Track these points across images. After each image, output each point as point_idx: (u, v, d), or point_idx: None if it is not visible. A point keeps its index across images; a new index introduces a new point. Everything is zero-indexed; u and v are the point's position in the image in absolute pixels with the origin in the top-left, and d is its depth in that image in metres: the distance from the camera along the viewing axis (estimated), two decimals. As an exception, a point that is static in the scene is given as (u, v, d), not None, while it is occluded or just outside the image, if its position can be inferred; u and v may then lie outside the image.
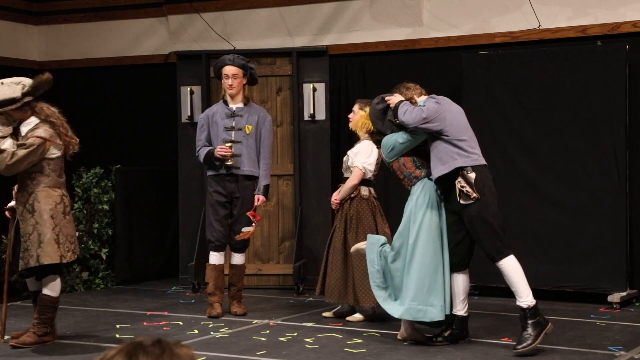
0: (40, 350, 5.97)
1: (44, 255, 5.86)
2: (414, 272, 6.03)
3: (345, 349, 5.97)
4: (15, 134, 6.02)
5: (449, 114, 6.00)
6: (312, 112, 8.69)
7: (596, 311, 7.38)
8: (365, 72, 9.26)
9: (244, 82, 7.30)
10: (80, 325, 6.91)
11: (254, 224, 7.25)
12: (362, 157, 6.90)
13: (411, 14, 8.96)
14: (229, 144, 7.14)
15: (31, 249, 5.88)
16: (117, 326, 6.84)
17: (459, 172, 5.93)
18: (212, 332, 6.58)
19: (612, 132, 7.72)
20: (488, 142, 7.30)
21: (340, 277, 6.94)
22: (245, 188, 7.21)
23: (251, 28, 9.65)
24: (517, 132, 8.07)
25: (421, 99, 6.21)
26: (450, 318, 6.10)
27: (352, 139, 7.93)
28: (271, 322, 6.96)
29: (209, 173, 7.32)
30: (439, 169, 5.97)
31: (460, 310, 6.11)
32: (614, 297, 7.54)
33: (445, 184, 6.02)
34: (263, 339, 6.33)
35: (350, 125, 7.08)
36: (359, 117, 6.93)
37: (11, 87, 5.91)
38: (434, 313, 5.99)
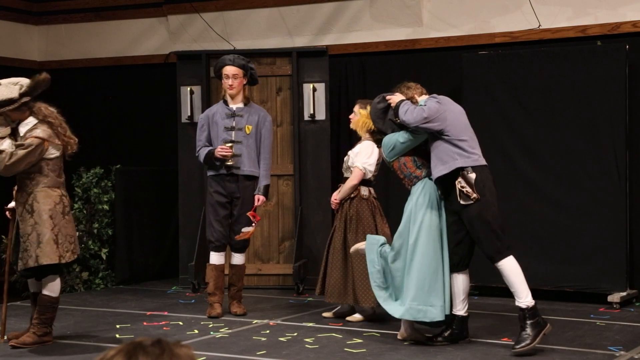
0: (40, 350, 5.97)
1: (42, 255, 5.86)
2: (414, 272, 6.03)
3: (345, 349, 5.97)
4: (14, 135, 6.01)
5: (450, 113, 6.00)
6: (312, 112, 8.69)
7: (596, 311, 7.38)
8: (365, 72, 9.26)
9: (244, 82, 7.30)
10: (80, 325, 6.91)
11: (254, 224, 7.25)
12: (363, 158, 6.90)
13: (411, 14, 8.96)
14: (230, 144, 7.14)
15: (30, 249, 5.88)
16: (117, 326, 6.84)
17: (459, 172, 5.93)
18: (212, 332, 6.58)
19: (612, 132, 7.72)
20: (488, 142, 7.29)
21: (340, 277, 6.94)
22: (246, 188, 7.21)
23: (251, 28, 9.65)
24: (517, 132, 8.07)
25: (422, 99, 6.21)
26: (450, 318, 6.10)
27: (352, 139, 7.94)
28: (271, 322, 6.96)
29: (209, 173, 7.32)
30: (439, 169, 5.97)
31: (460, 310, 6.11)
32: (614, 297, 7.54)
33: (445, 184, 6.02)
34: (263, 339, 6.33)
35: (351, 124, 7.07)
36: (359, 116, 6.93)
37: (9, 88, 5.91)
38: (434, 313, 5.99)
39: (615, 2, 8.15)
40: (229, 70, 7.21)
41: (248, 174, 7.22)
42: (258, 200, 7.21)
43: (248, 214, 7.18)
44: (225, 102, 7.34)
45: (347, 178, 7.01)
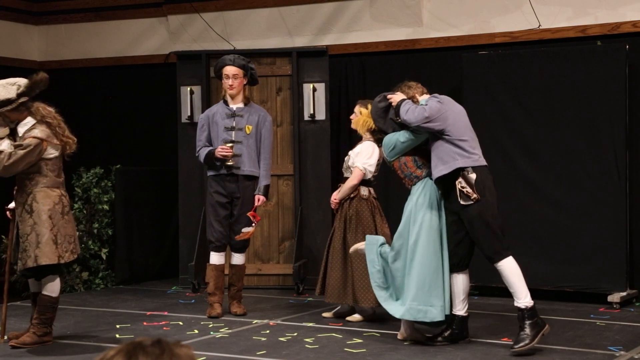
0: (40, 350, 5.97)
1: (41, 255, 5.86)
2: (414, 272, 6.03)
3: (345, 349, 5.97)
4: (13, 135, 6.01)
5: (451, 113, 6.00)
6: (312, 112, 8.69)
7: (596, 311, 7.38)
8: (365, 72, 9.26)
9: (245, 83, 7.31)
10: (80, 325, 6.91)
11: (254, 224, 7.25)
12: (363, 158, 6.90)
13: (411, 14, 8.96)
14: (230, 144, 7.14)
15: (29, 249, 5.88)
16: (117, 326, 6.84)
17: (459, 172, 5.93)
18: (212, 332, 6.58)
19: (612, 132, 7.72)
20: (488, 142, 7.29)
21: (339, 277, 6.94)
22: (246, 188, 7.21)
23: (251, 28, 9.65)
24: (517, 132, 8.07)
25: (423, 98, 6.20)
26: (450, 318, 6.10)
27: (352, 139, 7.93)
28: (271, 322, 6.96)
29: (210, 173, 7.33)
30: (439, 169, 5.97)
31: (460, 310, 6.11)
32: (614, 297, 7.54)
33: (445, 184, 6.01)
34: (263, 339, 6.33)
35: (352, 123, 7.07)
36: (360, 115, 6.93)
37: (6, 88, 5.90)
38: (434, 313, 5.99)
39: (615, 2, 8.15)
40: (229, 70, 7.21)
41: (248, 174, 7.22)
42: (258, 200, 7.22)
43: (248, 214, 7.18)
44: (226, 102, 7.34)
45: (347, 178, 7.01)
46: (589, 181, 7.78)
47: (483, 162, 6.02)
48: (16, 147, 5.88)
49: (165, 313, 7.43)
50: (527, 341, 5.74)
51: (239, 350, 5.99)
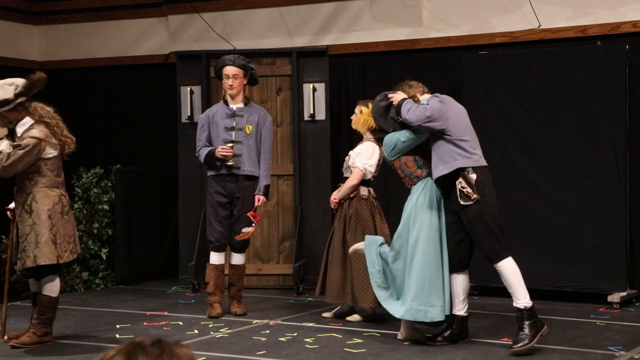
0: (40, 350, 5.97)
1: (41, 255, 5.86)
2: (414, 272, 6.03)
3: (345, 349, 5.97)
4: (12, 135, 6.01)
5: (452, 113, 6.00)
6: (312, 112, 8.69)
7: (596, 311, 7.38)
8: (365, 72, 9.26)
9: (245, 83, 7.31)
10: (80, 325, 6.91)
11: (254, 225, 7.25)
12: (364, 158, 6.90)
13: (411, 14, 8.96)
14: (230, 144, 7.14)
15: (28, 249, 5.88)
16: (117, 326, 6.84)
17: (459, 172, 5.93)
18: (212, 332, 6.58)
19: (612, 132, 7.72)
20: (488, 142, 7.29)
21: (339, 277, 6.94)
22: (246, 188, 7.21)
23: (251, 28, 9.65)
24: (517, 132, 8.07)
25: (424, 97, 6.20)
26: (450, 318, 6.10)
27: (353, 139, 7.94)
28: (271, 322, 6.96)
29: (210, 173, 7.33)
30: (440, 169, 5.96)
31: (460, 310, 6.11)
32: (614, 297, 7.54)
33: (445, 184, 6.01)
34: (263, 339, 6.33)
35: (352, 122, 7.07)
36: (361, 114, 6.92)
37: (4, 89, 5.90)
38: (435, 313, 5.99)
39: (615, 2, 8.15)
40: (229, 70, 7.21)
41: (248, 174, 7.22)
42: (258, 200, 7.22)
43: (248, 214, 7.18)
44: (226, 102, 7.34)
45: (347, 178, 7.01)
46: (589, 181, 7.78)
47: (483, 162, 6.02)
48: (15, 147, 5.88)
49: (165, 313, 7.43)
50: (526, 341, 5.74)
51: (239, 350, 5.99)
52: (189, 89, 8.89)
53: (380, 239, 6.42)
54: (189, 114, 8.88)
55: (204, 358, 5.63)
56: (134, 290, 8.76)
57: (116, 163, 9.32)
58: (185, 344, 1.89)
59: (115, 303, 7.99)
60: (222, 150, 7.12)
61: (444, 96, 6.14)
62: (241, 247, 7.34)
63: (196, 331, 6.64)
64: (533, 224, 7.94)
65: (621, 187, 7.70)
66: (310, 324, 6.86)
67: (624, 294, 7.62)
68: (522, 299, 5.85)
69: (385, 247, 6.29)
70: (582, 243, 7.76)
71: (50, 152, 6.00)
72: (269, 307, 7.71)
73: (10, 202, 6.24)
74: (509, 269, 5.89)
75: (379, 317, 6.91)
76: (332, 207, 7.15)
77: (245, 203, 7.20)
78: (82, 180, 8.97)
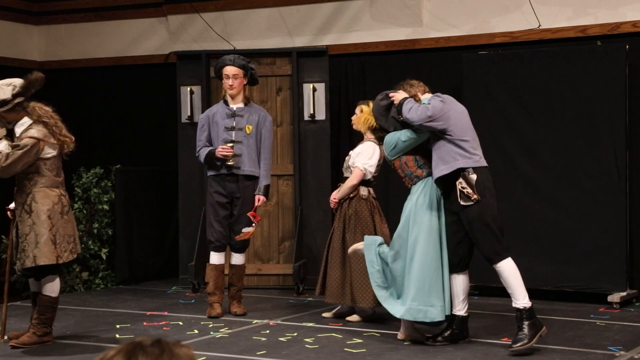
0: (40, 350, 5.97)
1: (40, 255, 5.86)
2: (414, 272, 6.03)
3: (345, 349, 5.97)
4: (11, 136, 6.01)
5: (453, 113, 5.99)
6: (312, 112, 8.69)
7: (596, 311, 7.38)
8: (365, 72, 9.26)
9: (245, 83, 7.31)
10: (80, 325, 6.91)
11: (254, 225, 7.25)
12: (364, 158, 6.90)
13: (411, 14, 8.96)
14: (230, 144, 7.14)
15: (28, 249, 5.88)
16: (117, 326, 6.84)
17: (460, 172, 5.93)
18: (212, 332, 6.58)
19: (612, 132, 7.72)
20: (488, 142, 7.29)
21: (338, 277, 6.94)
22: (246, 188, 7.21)
23: (251, 28, 9.65)
24: (517, 132, 8.07)
25: (425, 97, 6.19)
26: (450, 318, 6.10)
27: (353, 139, 7.93)
28: (271, 322, 6.96)
29: (210, 173, 7.33)
30: (440, 169, 5.96)
31: (460, 310, 6.11)
32: (614, 297, 7.54)
33: (446, 184, 6.01)
34: (263, 339, 6.33)
35: (353, 120, 7.06)
36: (362, 113, 6.92)
37: (1, 89, 5.90)
38: (434, 313, 5.99)
39: (615, 2, 8.15)
40: (229, 70, 7.21)
41: (248, 174, 7.22)
42: (258, 200, 7.22)
43: (248, 214, 7.18)
44: (226, 102, 7.34)
45: (347, 178, 7.01)
46: (589, 181, 7.78)
47: (484, 162, 6.02)
48: (13, 147, 5.87)
49: (165, 313, 7.43)
50: (525, 341, 5.75)
51: (239, 350, 5.99)
52: (189, 89, 8.89)
53: (379, 239, 6.42)
54: (189, 114, 8.88)
55: (204, 358, 5.63)
56: (134, 290, 8.76)
57: (116, 163, 9.32)
58: (185, 344, 1.89)
59: (115, 303, 7.99)
60: (222, 150, 7.12)
61: (446, 96, 6.13)
62: (241, 247, 7.34)
63: (196, 331, 6.64)
64: (533, 224, 7.94)
65: (621, 187, 7.70)
66: (310, 324, 6.86)
67: (624, 294, 7.62)
68: (521, 299, 5.85)
69: (385, 247, 6.29)
70: (582, 243, 7.76)
71: (49, 152, 5.99)
72: (269, 307, 7.71)
73: (11, 202, 6.23)
74: (508, 269, 5.89)
75: (379, 317, 6.91)
76: (332, 206, 7.15)
77: (245, 203, 7.20)
78: (82, 180, 8.97)
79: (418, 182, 6.18)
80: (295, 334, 6.50)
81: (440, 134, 5.97)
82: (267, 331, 6.61)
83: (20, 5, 10.52)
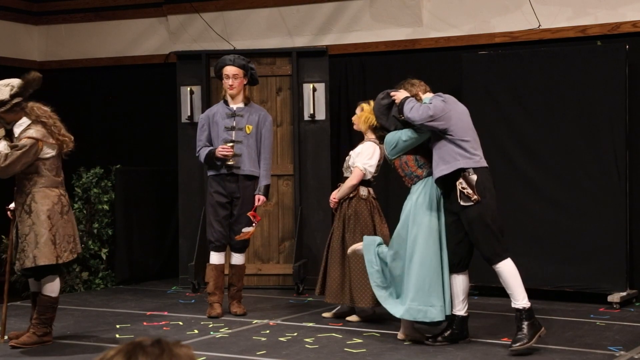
0: (40, 350, 5.97)
1: (40, 256, 5.86)
2: (414, 272, 6.03)
3: (345, 349, 5.97)
4: (10, 136, 6.01)
5: (454, 113, 5.99)
6: (312, 112, 8.69)
7: (596, 311, 7.38)
8: (365, 72, 9.26)
9: (245, 83, 7.31)
10: (80, 325, 6.91)
11: (254, 224, 7.25)
12: (364, 158, 6.89)
13: (411, 14, 8.96)
14: (230, 144, 7.14)
15: (27, 249, 5.88)
16: (117, 326, 6.84)
17: (460, 173, 5.93)
18: (212, 332, 6.58)
19: (612, 132, 7.72)
20: (488, 142, 7.29)
21: (337, 277, 6.94)
22: (246, 188, 7.21)
23: (251, 28, 9.65)
24: (517, 132, 8.07)
25: (426, 96, 6.19)
26: (450, 318, 6.10)
27: (353, 139, 7.93)
28: (271, 322, 6.96)
29: (210, 173, 7.33)
30: (440, 169, 5.96)
31: (460, 310, 6.11)
32: (614, 297, 7.54)
33: (446, 184, 6.01)
34: (263, 339, 6.33)
35: (354, 120, 7.06)
36: (363, 111, 6.91)
37: None
38: (434, 313, 5.99)
39: (615, 2, 8.15)
40: (229, 70, 7.22)
41: (248, 173, 7.22)
42: (258, 200, 7.22)
43: (248, 214, 7.18)
44: (226, 102, 7.35)
45: (347, 177, 7.01)
46: (589, 181, 7.78)
47: (484, 163, 6.02)
48: (12, 148, 5.87)
49: (165, 313, 7.43)
50: (525, 340, 5.75)
51: (239, 350, 5.99)
52: (189, 89, 8.89)
53: (378, 239, 6.42)
54: (189, 114, 8.88)
55: (204, 358, 5.63)
56: (134, 290, 8.76)
57: (116, 163, 9.31)
58: (185, 344, 1.89)
59: (115, 303, 7.99)
60: (222, 150, 7.12)
61: (447, 96, 6.13)
62: (241, 247, 7.34)
63: (196, 331, 6.64)
64: (533, 224, 7.94)
65: (621, 187, 7.70)
66: (310, 324, 6.86)
67: (624, 294, 7.62)
68: (520, 299, 5.85)
69: (384, 247, 6.29)
70: (582, 243, 7.76)
71: (48, 152, 5.99)
72: (269, 307, 7.71)
73: (11, 202, 6.23)
74: (508, 270, 5.89)
75: (378, 317, 6.91)
76: (332, 206, 7.15)
77: (245, 203, 7.20)
78: (82, 180, 8.97)
79: (418, 181, 6.18)
80: (295, 334, 6.50)
81: (441, 134, 5.97)
82: (267, 331, 6.61)
83: (20, 5, 10.52)
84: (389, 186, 8.60)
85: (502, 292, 7.21)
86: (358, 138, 7.22)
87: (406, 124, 6.11)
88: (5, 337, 6.24)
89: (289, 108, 8.83)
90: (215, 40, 9.69)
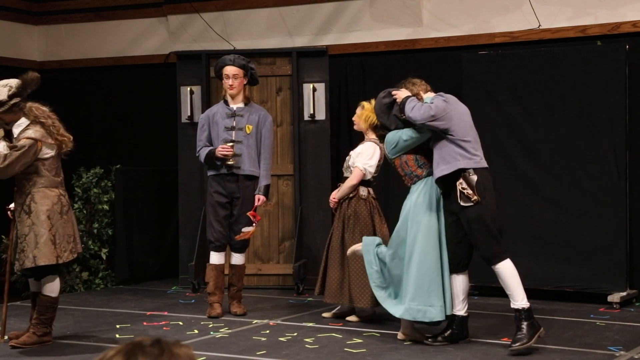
0: (40, 350, 5.97)
1: (40, 256, 5.86)
2: (413, 272, 6.02)
3: (345, 349, 5.97)
4: (9, 137, 6.01)
5: (455, 113, 5.99)
6: (312, 112, 8.69)
7: (596, 311, 7.38)
8: (365, 72, 9.26)
9: (245, 83, 7.31)
10: (80, 325, 6.91)
11: (254, 224, 7.25)
12: (364, 159, 6.89)
13: (411, 14, 8.96)
14: (230, 144, 7.14)
15: (27, 249, 5.88)
16: (117, 326, 6.84)
17: (460, 173, 5.92)
18: (212, 332, 6.58)
19: (612, 132, 7.72)
20: (488, 142, 7.28)
21: (337, 277, 6.94)
22: (246, 188, 7.22)
23: (251, 28, 9.65)
24: (517, 132, 8.07)
25: (427, 96, 6.19)
26: (450, 318, 6.10)
27: (353, 139, 7.93)
28: (271, 322, 6.96)
29: (210, 173, 7.33)
30: (441, 169, 5.96)
31: (460, 310, 6.11)
32: (614, 297, 7.54)
33: (446, 185, 6.01)
34: (263, 339, 6.33)
35: (354, 118, 7.05)
36: (364, 110, 6.91)
37: None
38: (434, 313, 5.99)
39: (615, 2, 8.15)
40: (230, 70, 7.22)
41: (248, 173, 7.22)
42: (258, 200, 7.22)
43: (248, 213, 7.18)
44: (226, 102, 7.35)
45: (347, 177, 7.01)
46: (589, 181, 7.78)
47: (484, 163, 6.02)
48: (11, 148, 5.87)
49: (165, 313, 7.43)
50: (524, 340, 5.75)
51: (239, 350, 5.99)
52: (189, 89, 8.89)
53: (377, 239, 6.41)
54: (189, 114, 8.88)
55: (204, 358, 5.63)
56: (134, 290, 8.76)
57: (116, 163, 9.32)
58: (185, 344, 1.89)
59: (115, 303, 7.99)
60: (222, 150, 7.12)
61: (448, 95, 6.13)
62: (241, 247, 7.34)
63: (196, 331, 6.64)
64: (533, 224, 7.94)
65: (621, 187, 7.70)
66: (310, 324, 6.86)
67: (624, 294, 7.62)
68: (519, 300, 5.86)
69: (383, 247, 6.29)
70: (582, 243, 7.76)
71: (47, 152, 5.99)
72: (269, 307, 7.71)
73: (11, 203, 6.23)
74: (507, 270, 5.89)
75: (378, 317, 6.91)
76: (332, 206, 7.15)
77: (245, 203, 7.20)
78: (82, 180, 8.97)
79: (418, 181, 6.17)
80: (295, 334, 6.50)
81: (442, 134, 5.97)
82: (267, 331, 6.61)
83: (20, 5, 10.52)
84: (389, 186, 8.60)
85: (502, 292, 7.20)
86: (358, 138, 7.22)
87: (407, 123, 6.11)
88: (5, 337, 6.24)
89: (289, 108, 8.84)
90: (215, 40, 9.69)
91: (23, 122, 5.98)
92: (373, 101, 6.58)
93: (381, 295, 6.21)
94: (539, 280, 7.77)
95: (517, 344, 5.76)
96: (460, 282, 6.09)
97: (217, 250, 7.28)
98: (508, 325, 6.55)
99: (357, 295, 6.81)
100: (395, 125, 6.21)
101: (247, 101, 7.35)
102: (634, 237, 7.84)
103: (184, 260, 8.81)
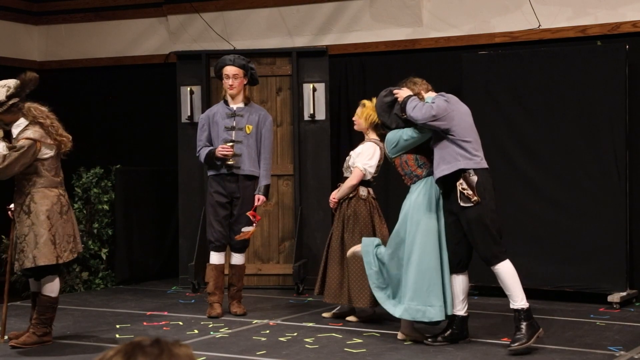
0: (40, 350, 5.97)
1: (40, 256, 5.86)
2: (412, 272, 6.02)
3: (345, 349, 5.97)
4: (8, 137, 6.01)
5: (457, 113, 5.99)
6: (312, 112, 8.69)
7: (596, 311, 7.38)
8: (365, 72, 9.26)
9: (245, 83, 7.31)
10: (80, 325, 6.91)
11: (254, 224, 7.25)
12: (364, 159, 6.89)
13: (411, 14, 8.96)
14: (230, 144, 7.14)
15: (27, 249, 5.88)
16: (117, 326, 6.84)
17: (461, 173, 5.92)
18: (212, 332, 6.58)
19: (612, 132, 7.72)
20: (488, 142, 7.28)
21: (337, 277, 6.94)
22: (246, 188, 7.22)
23: (251, 28, 9.65)
24: (517, 132, 8.07)
25: (428, 96, 6.19)
26: (450, 318, 6.10)
27: (353, 139, 7.92)
28: (271, 322, 6.96)
29: (210, 173, 7.33)
30: (441, 169, 5.96)
31: (460, 310, 6.11)
32: (614, 297, 7.54)
33: (446, 185, 6.01)
34: (263, 339, 6.33)
35: (355, 116, 7.05)
36: (365, 108, 6.90)
37: None
38: (433, 313, 5.99)
39: (615, 2, 8.15)
40: (230, 70, 7.22)
41: (248, 173, 7.22)
42: (258, 200, 7.22)
43: (248, 213, 7.18)
44: (226, 102, 7.35)
45: (347, 177, 7.01)
46: (589, 181, 7.78)
47: (485, 164, 6.02)
48: (10, 149, 5.87)
49: (165, 313, 7.43)
50: (524, 340, 5.76)
51: (239, 350, 5.99)
52: (189, 89, 8.89)
53: (376, 240, 6.41)
54: (189, 114, 8.88)
55: (204, 358, 5.63)
56: (134, 290, 8.76)
57: (116, 163, 9.32)
58: (185, 343, 1.89)
59: (115, 303, 7.99)
60: (222, 150, 7.12)
61: (450, 95, 6.12)
62: (241, 247, 7.34)
63: (196, 331, 6.64)
64: (533, 224, 7.94)
65: (621, 187, 7.70)
66: (310, 324, 6.86)
67: (624, 294, 7.62)
68: (519, 300, 5.86)
69: (382, 248, 6.29)
70: (582, 243, 7.76)
71: (47, 152, 5.99)
72: (269, 307, 7.71)
73: (11, 203, 6.23)
74: (506, 271, 5.89)
75: (378, 317, 6.91)
76: (331, 206, 7.15)
77: (245, 203, 7.20)
78: (82, 180, 8.97)
79: (417, 181, 6.17)
80: (295, 334, 6.50)
81: (442, 134, 5.97)
82: (267, 331, 6.61)
83: (20, 5, 10.52)
84: (389, 186, 8.60)
85: (502, 292, 7.20)
86: (358, 138, 7.22)
87: (408, 122, 6.10)
88: (5, 337, 6.24)
89: (289, 108, 8.83)
90: (215, 40, 9.69)
91: (22, 122, 5.98)
92: (374, 100, 6.58)
93: (381, 296, 6.21)
94: (539, 280, 7.77)
95: (516, 344, 5.76)
96: (460, 282, 6.09)
97: (217, 250, 7.28)
98: (508, 325, 6.55)
99: (356, 295, 6.81)
100: (396, 125, 6.21)
101: (247, 101, 7.35)
102: (634, 237, 7.84)
103: (184, 260, 8.81)
